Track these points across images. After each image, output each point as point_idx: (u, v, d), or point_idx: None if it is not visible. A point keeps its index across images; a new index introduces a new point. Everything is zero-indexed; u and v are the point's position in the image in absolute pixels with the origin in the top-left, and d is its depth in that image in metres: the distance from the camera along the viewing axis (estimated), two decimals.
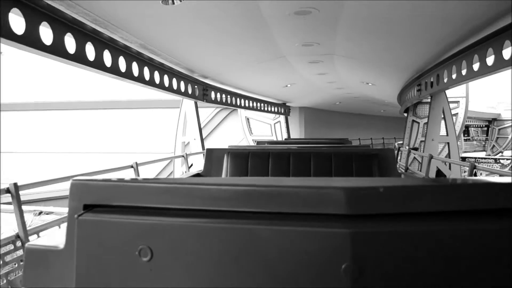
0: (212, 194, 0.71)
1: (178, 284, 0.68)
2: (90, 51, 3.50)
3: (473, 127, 25.01)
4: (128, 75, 4.16)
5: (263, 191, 0.69)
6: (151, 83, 4.72)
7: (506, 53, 3.45)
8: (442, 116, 8.12)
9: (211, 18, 3.78)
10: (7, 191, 2.61)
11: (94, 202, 0.76)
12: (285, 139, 11.20)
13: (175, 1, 3.31)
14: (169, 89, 5.35)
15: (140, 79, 4.43)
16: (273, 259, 0.64)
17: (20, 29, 2.70)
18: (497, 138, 23.04)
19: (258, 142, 6.57)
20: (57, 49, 3.05)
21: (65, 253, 0.77)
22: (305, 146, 4.15)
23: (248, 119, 12.06)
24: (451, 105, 9.47)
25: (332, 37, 4.68)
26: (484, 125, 24.40)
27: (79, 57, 3.31)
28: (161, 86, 5.03)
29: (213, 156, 3.76)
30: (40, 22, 2.85)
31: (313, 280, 0.62)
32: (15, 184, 2.62)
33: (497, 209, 0.66)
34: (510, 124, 22.27)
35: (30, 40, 2.75)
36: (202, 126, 7.87)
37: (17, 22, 2.70)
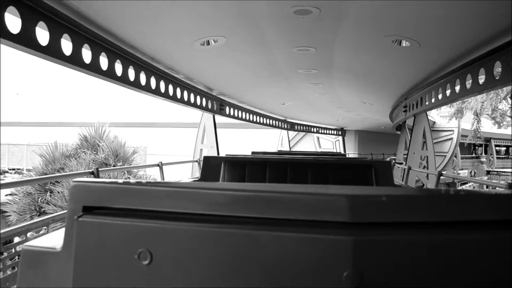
0: (213, 199, 0.71)
1: None
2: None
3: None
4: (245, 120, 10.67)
5: (264, 197, 0.70)
6: (263, 123, 11.28)
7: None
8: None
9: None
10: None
11: (94, 204, 0.76)
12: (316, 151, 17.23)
13: (287, 102, 9.73)
14: (275, 126, 12.02)
15: (258, 122, 10.99)
16: (274, 265, 0.64)
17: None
18: None
19: (253, 152, 6.89)
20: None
21: (63, 255, 0.76)
22: (302, 156, 4.07)
23: (318, 137, 18.51)
24: (447, 133, 14.73)
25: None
26: None
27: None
28: (269, 125, 11.65)
29: (210, 164, 3.63)
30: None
31: (313, 287, 0.63)
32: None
33: (497, 220, 0.67)
34: None
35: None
36: (289, 139, 14.82)
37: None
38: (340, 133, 17.64)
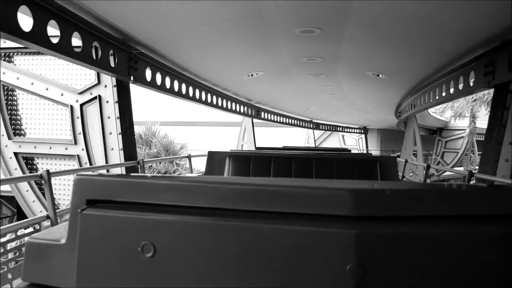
0: (217, 193, 0.71)
1: (180, 281, 0.68)
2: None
3: None
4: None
5: (269, 190, 0.70)
6: (292, 124, 13.48)
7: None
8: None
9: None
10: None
11: (98, 197, 0.76)
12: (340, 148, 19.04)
13: (311, 107, 11.87)
14: (302, 126, 14.15)
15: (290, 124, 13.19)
16: (278, 258, 0.64)
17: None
18: None
19: (258, 148, 6.64)
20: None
21: (67, 247, 0.77)
22: (306, 152, 4.18)
23: (343, 135, 20.39)
24: (460, 131, 16.27)
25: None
26: None
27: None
28: (297, 125, 13.81)
29: (214, 159, 3.65)
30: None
31: (317, 279, 0.63)
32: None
33: (500, 214, 0.68)
34: None
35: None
36: (316, 139, 16.75)
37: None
38: (362, 131, 19.49)
